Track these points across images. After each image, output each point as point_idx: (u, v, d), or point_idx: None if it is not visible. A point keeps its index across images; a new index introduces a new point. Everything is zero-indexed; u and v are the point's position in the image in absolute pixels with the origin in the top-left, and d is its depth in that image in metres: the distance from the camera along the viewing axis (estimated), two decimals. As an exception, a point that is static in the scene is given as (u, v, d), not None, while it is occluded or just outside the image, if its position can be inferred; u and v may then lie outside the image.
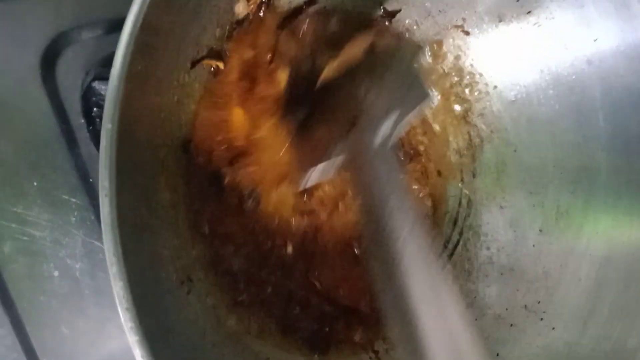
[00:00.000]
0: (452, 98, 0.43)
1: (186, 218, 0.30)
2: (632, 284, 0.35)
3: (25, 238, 0.31)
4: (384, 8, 0.40)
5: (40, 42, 0.32)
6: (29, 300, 0.31)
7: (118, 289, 0.20)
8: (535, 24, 0.39)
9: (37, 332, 0.31)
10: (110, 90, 0.20)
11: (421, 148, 0.43)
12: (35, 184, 0.32)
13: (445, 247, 0.42)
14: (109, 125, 0.20)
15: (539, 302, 0.38)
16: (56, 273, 0.32)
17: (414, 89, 0.33)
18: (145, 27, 0.21)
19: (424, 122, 0.43)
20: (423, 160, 0.43)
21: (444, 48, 0.41)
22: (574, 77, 0.39)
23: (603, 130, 0.38)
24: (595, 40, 0.37)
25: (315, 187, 0.37)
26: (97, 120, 0.33)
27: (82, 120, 0.33)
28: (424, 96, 0.34)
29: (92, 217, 0.33)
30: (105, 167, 0.20)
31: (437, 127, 0.43)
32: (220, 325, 0.31)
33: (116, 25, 0.35)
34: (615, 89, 0.37)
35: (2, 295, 0.30)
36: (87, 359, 0.33)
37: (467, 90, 0.42)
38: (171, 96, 0.28)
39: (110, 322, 0.34)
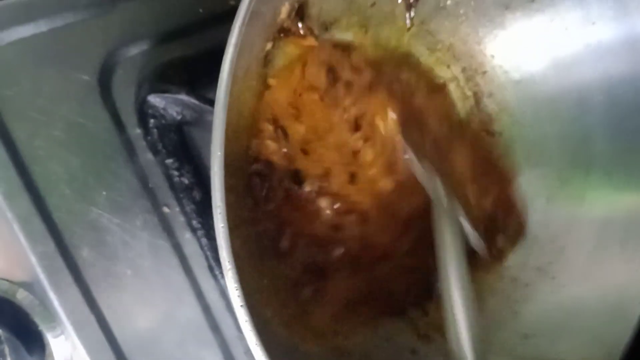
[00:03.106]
0: (464, 81, 0.46)
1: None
2: (629, 243, 0.40)
3: (100, 243, 0.34)
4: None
5: (94, 62, 0.34)
6: (108, 297, 0.34)
7: (233, 290, 0.24)
8: (537, 10, 0.43)
9: (118, 325, 0.35)
10: (216, 123, 0.23)
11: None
12: (104, 193, 0.35)
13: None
14: (219, 153, 0.23)
15: (549, 263, 0.42)
16: (129, 272, 0.35)
17: None
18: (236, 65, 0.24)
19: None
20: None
21: (457, 36, 0.45)
22: (573, 58, 0.43)
23: (600, 107, 0.42)
24: (593, 24, 0.41)
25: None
26: (154, 130, 0.36)
27: (139, 131, 0.36)
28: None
29: (155, 219, 0.36)
30: (217, 189, 0.23)
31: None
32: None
33: (159, 39, 0.37)
34: (610, 68, 0.41)
35: (86, 297, 0.34)
36: (158, 345, 0.37)
37: (477, 73, 0.46)
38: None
39: (177, 311, 0.37)
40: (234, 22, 0.24)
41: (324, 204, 0.40)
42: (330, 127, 0.39)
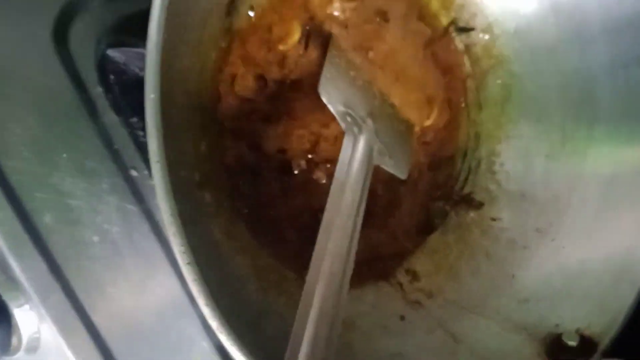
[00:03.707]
0: (454, 33, 0.43)
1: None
2: (636, 201, 0.37)
3: (63, 208, 0.33)
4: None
5: (49, 15, 0.32)
6: (75, 266, 0.33)
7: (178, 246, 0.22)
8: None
9: (86, 295, 0.33)
10: (149, 61, 0.21)
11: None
12: (64, 155, 0.33)
13: (456, 179, 0.44)
14: (152, 95, 0.21)
15: (550, 224, 0.40)
16: (96, 238, 0.34)
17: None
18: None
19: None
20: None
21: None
22: (573, 3, 0.39)
23: (603, 55, 0.39)
24: (594, -37, 0.38)
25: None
26: (115, 87, 0.34)
27: (100, 89, 0.34)
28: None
29: (122, 183, 0.34)
30: (153, 135, 0.21)
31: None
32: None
33: (121, -10, 0.35)
34: (613, 13, 0.38)
35: (50, 264, 0.32)
36: (131, 315, 0.35)
37: (469, 25, 0.43)
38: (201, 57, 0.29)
39: (152, 279, 0.36)
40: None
41: (320, 175, 0.38)
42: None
